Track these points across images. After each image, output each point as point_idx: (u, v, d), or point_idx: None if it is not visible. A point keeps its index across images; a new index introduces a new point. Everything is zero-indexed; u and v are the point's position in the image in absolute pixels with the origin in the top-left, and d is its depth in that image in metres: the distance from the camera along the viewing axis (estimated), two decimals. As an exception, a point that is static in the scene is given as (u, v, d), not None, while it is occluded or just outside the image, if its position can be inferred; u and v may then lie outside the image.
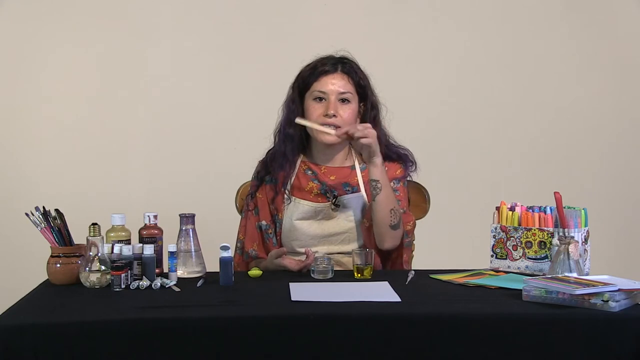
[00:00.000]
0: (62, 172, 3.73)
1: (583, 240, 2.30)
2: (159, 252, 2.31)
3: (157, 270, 2.25)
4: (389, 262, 2.59)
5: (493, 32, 3.88)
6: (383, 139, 2.59)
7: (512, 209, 2.45)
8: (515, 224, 2.42)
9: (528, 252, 2.37)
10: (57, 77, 3.72)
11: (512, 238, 2.41)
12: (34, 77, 3.72)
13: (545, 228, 2.35)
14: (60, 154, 3.74)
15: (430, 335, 1.85)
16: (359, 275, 2.29)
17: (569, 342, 1.85)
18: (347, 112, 2.54)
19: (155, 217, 2.35)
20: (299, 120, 2.52)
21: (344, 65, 2.58)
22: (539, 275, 2.21)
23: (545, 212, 2.38)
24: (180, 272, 2.29)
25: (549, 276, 2.07)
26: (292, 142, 2.60)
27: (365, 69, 2.62)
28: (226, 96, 3.79)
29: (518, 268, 2.39)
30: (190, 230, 2.36)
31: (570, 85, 3.91)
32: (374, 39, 3.79)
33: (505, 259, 2.42)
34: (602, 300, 1.87)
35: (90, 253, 2.17)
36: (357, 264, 2.30)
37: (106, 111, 3.75)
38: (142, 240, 2.31)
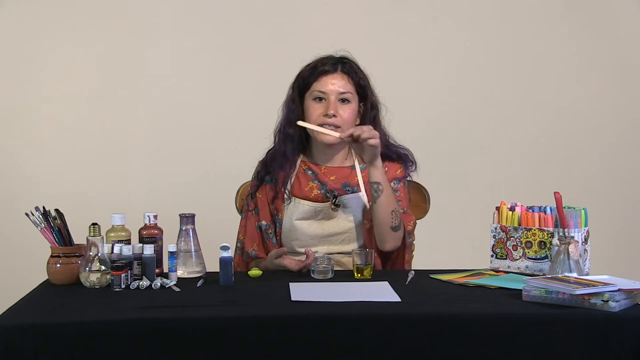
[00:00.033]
0: (62, 172, 3.73)
1: (583, 240, 2.30)
2: (159, 252, 2.31)
3: (157, 270, 2.25)
4: (389, 263, 2.59)
5: (493, 32, 3.88)
6: (383, 138, 2.59)
7: (512, 209, 2.45)
8: (515, 224, 2.42)
9: (528, 252, 2.37)
10: (57, 77, 3.72)
11: (512, 238, 2.41)
12: (34, 77, 3.72)
13: (545, 228, 2.35)
14: (60, 154, 3.74)
15: (430, 335, 1.85)
16: (359, 275, 2.29)
17: (569, 342, 1.85)
18: (347, 112, 2.54)
19: (155, 217, 2.35)
20: (300, 123, 2.52)
21: (344, 65, 2.58)
22: (539, 275, 2.21)
23: (545, 212, 2.38)
24: (180, 272, 2.29)
25: (549, 276, 2.07)
26: (292, 142, 2.60)
27: (365, 68, 2.62)
28: (226, 96, 3.79)
29: (518, 268, 2.39)
30: (190, 230, 2.36)
31: (570, 85, 3.91)
32: (374, 39, 3.79)
33: (505, 259, 2.42)
34: (602, 300, 1.87)
35: (90, 253, 2.17)
36: (357, 264, 2.30)
37: (106, 111, 3.75)
38: (142, 240, 2.31)
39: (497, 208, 2.48)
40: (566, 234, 2.28)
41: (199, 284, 2.20)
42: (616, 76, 3.92)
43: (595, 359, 1.84)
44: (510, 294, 2.05)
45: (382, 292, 2.09)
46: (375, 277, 2.29)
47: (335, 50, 2.62)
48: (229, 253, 2.22)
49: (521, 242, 2.39)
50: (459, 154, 3.89)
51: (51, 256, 2.24)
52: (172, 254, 2.24)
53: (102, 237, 2.22)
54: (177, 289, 2.13)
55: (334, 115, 2.52)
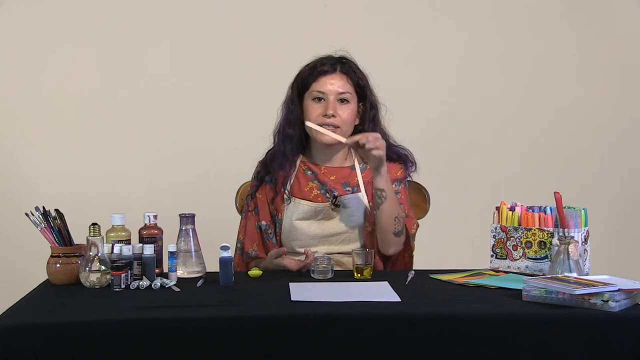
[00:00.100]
0: (62, 172, 3.73)
1: (583, 240, 2.30)
2: (159, 252, 2.31)
3: (157, 270, 2.25)
4: (389, 264, 2.59)
5: (493, 32, 3.88)
6: (383, 138, 2.59)
7: (512, 209, 2.45)
8: (515, 224, 2.42)
9: (528, 252, 2.37)
10: (57, 77, 3.72)
11: (512, 238, 2.41)
12: (34, 77, 3.72)
13: (545, 228, 2.35)
14: (60, 154, 3.74)
15: (430, 335, 1.85)
16: (359, 275, 2.29)
17: (569, 342, 1.85)
18: (346, 112, 2.54)
19: (155, 217, 2.35)
20: (308, 124, 2.52)
21: (343, 65, 2.58)
22: (539, 275, 2.21)
23: (545, 212, 2.38)
24: (180, 272, 2.29)
25: (549, 276, 2.07)
26: (292, 142, 2.60)
27: (365, 68, 2.62)
28: (226, 96, 3.79)
29: (518, 268, 2.39)
30: (190, 230, 2.36)
31: (570, 85, 3.91)
32: (374, 39, 3.79)
33: (505, 259, 2.42)
34: (602, 300, 1.87)
35: (90, 253, 2.17)
36: (357, 264, 2.30)
37: (106, 111, 3.75)
38: (142, 240, 2.31)
39: (497, 208, 2.48)
40: (566, 234, 2.28)
41: (199, 284, 2.20)
42: (616, 76, 3.92)
43: (595, 359, 1.84)
44: (510, 294, 2.05)
45: (382, 292, 2.09)
46: (375, 277, 2.29)
47: (334, 50, 2.62)
48: (229, 253, 2.22)
49: (521, 242, 2.39)
50: (459, 154, 3.89)
51: (51, 256, 2.24)
52: (172, 254, 2.24)
53: (102, 237, 2.22)
54: (177, 289, 2.13)
55: (333, 116, 2.52)
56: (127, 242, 2.29)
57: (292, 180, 2.61)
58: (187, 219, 2.37)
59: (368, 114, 2.60)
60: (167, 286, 2.15)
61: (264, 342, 1.83)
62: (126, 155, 3.78)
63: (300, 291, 2.07)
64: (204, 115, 3.78)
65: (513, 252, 2.40)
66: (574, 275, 2.07)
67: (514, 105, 3.91)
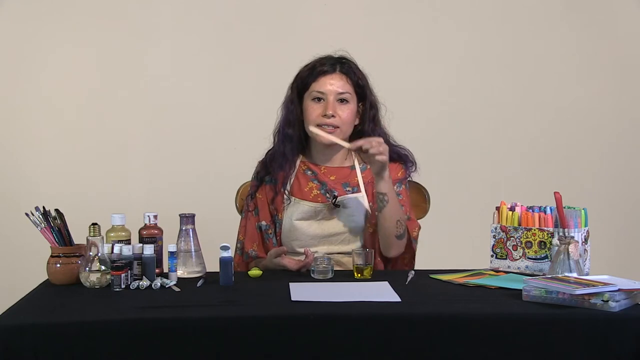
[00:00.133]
0: (62, 172, 3.73)
1: (583, 240, 2.30)
2: (159, 252, 2.31)
3: (157, 270, 2.25)
4: (389, 264, 2.60)
5: (493, 32, 3.88)
6: (383, 138, 2.59)
7: (512, 209, 2.45)
8: (515, 224, 2.42)
9: (528, 252, 2.37)
10: (57, 77, 3.72)
11: (512, 238, 2.41)
12: (34, 77, 3.72)
13: (545, 228, 2.35)
14: (60, 154, 3.75)
15: (430, 335, 1.85)
16: (359, 275, 2.29)
17: (569, 342, 1.85)
18: (346, 112, 2.54)
19: (155, 217, 2.35)
20: (312, 129, 2.51)
21: (343, 66, 2.58)
22: (539, 275, 2.21)
23: (545, 212, 2.38)
24: (180, 272, 2.29)
25: (549, 276, 2.07)
26: (292, 142, 2.60)
27: (365, 68, 2.62)
28: (226, 96, 3.79)
29: (518, 268, 2.39)
30: (190, 230, 2.36)
31: (570, 85, 3.91)
32: (374, 39, 3.79)
33: (505, 259, 2.42)
34: (602, 300, 1.87)
35: (90, 253, 2.17)
36: (357, 264, 2.30)
37: (106, 111, 3.75)
38: (142, 240, 2.31)
39: (497, 208, 2.48)
40: (566, 234, 2.28)
41: (199, 284, 2.20)
42: (616, 76, 3.92)
43: (595, 359, 1.84)
44: (510, 294, 2.05)
45: (382, 292, 2.09)
46: (375, 277, 2.29)
47: (334, 50, 2.62)
48: (229, 253, 2.22)
49: (521, 242, 2.39)
50: (459, 154, 3.90)
51: (51, 256, 2.24)
52: (172, 254, 2.24)
53: (102, 237, 2.22)
54: (177, 289, 2.13)
55: (332, 116, 2.52)
56: (127, 242, 2.29)
57: (292, 181, 2.61)
58: (187, 219, 2.37)
59: (368, 114, 2.60)
60: (167, 286, 2.15)
61: (264, 342, 1.83)
62: (126, 155, 3.78)
63: (300, 291, 2.07)
64: (204, 115, 3.78)
65: (513, 252, 2.40)
66: (574, 275, 2.07)
67: (514, 105, 3.91)
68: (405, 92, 3.71)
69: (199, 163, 3.78)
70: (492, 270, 2.43)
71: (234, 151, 3.70)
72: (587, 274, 2.23)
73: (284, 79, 2.65)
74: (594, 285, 1.91)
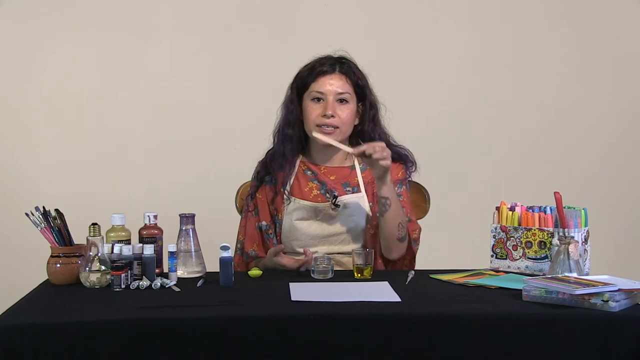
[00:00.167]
0: (62, 172, 3.73)
1: (583, 240, 2.30)
2: (159, 252, 2.31)
3: (157, 270, 2.25)
4: (389, 264, 2.59)
5: (493, 32, 3.88)
6: (383, 138, 2.59)
7: (512, 209, 2.45)
8: (515, 224, 2.42)
9: (528, 252, 2.37)
10: (57, 77, 3.72)
11: (512, 238, 2.41)
12: (34, 77, 3.72)
13: (545, 228, 2.35)
14: (60, 154, 3.75)
15: (430, 335, 1.85)
16: (359, 275, 2.29)
17: (569, 342, 1.85)
18: (345, 113, 2.54)
19: (155, 217, 2.35)
20: (315, 135, 2.51)
21: (342, 66, 2.58)
22: (539, 275, 2.21)
23: (545, 212, 2.38)
24: (180, 272, 2.29)
25: (549, 276, 2.07)
26: (291, 142, 2.60)
27: (365, 68, 2.62)
28: (226, 96, 3.79)
29: (518, 268, 2.39)
30: (190, 230, 2.36)
31: (570, 85, 3.91)
32: (374, 39, 3.79)
33: (505, 259, 2.42)
34: (602, 300, 1.87)
35: (90, 253, 2.17)
36: (357, 264, 2.30)
37: (106, 111, 3.75)
38: (142, 240, 2.31)
39: (497, 208, 2.48)
40: (566, 234, 2.28)
41: (199, 284, 2.20)
42: (616, 76, 3.92)
43: (595, 359, 1.84)
44: (510, 294, 2.05)
45: (382, 292, 2.09)
46: (375, 277, 2.29)
47: (333, 50, 2.62)
48: (229, 253, 2.22)
49: (521, 242, 2.39)
50: (459, 154, 3.90)
51: (51, 256, 2.24)
52: (172, 254, 2.24)
53: (102, 237, 2.22)
54: (177, 289, 2.13)
55: (332, 116, 2.52)
56: (127, 242, 2.29)
57: (292, 181, 2.61)
58: (187, 219, 2.37)
59: (367, 114, 2.59)
60: (167, 286, 2.15)
61: (264, 342, 1.83)
62: (126, 155, 3.78)
63: (300, 291, 2.07)
64: (204, 115, 3.78)
65: (513, 252, 2.40)
66: (574, 275, 2.07)
67: (514, 105, 3.91)
68: (405, 92, 3.71)
69: (199, 163, 3.78)
70: (492, 270, 2.43)
71: (234, 151, 3.70)
72: (587, 274, 2.23)
73: (284, 79, 2.65)
74: (594, 285, 1.91)
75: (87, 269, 2.15)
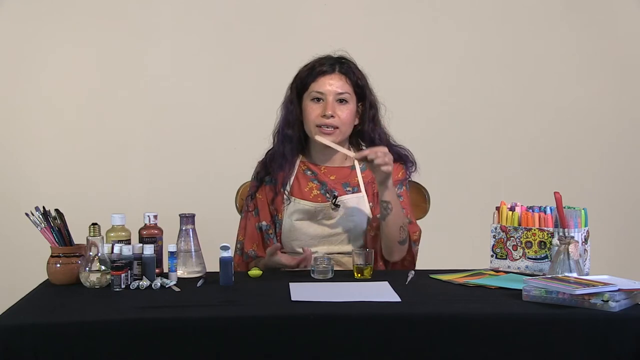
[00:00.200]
0: (62, 172, 3.73)
1: (583, 240, 2.30)
2: (159, 252, 2.31)
3: (157, 270, 2.25)
4: (389, 265, 2.59)
5: (493, 32, 3.88)
6: (383, 138, 2.59)
7: (512, 209, 2.45)
8: (515, 224, 2.42)
9: (528, 252, 2.37)
10: (57, 77, 3.72)
11: (512, 238, 2.41)
12: (34, 77, 3.72)
13: (545, 228, 2.35)
14: (60, 154, 3.75)
15: (430, 335, 1.85)
16: (359, 275, 2.29)
17: (569, 342, 1.85)
18: (345, 113, 2.54)
19: (155, 217, 2.35)
20: (318, 138, 2.51)
21: (342, 66, 2.58)
22: (539, 275, 2.21)
23: (545, 212, 2.38)
24: (180, 272, 2.29)
25: (549, 276, 2.07)
26: (291, 142, 2.60)
27: (365, 68, 2.62)
28: (226, 96, 3.79)
29: (518, 268, 2.39)
30: (190, 230, 2.36)
31: (570, 85, 3.91)
32: (374, 39, 3.79)
33: (505, 259, 2.42)
34: (602, 300, 1.87)
35: (90, 253, 2.17)
36: (357, 264, 2.30)
37: (106, 111, 3.75)
38: (142, 240, 2.31)
39: (497, 208, 2.48)
40: (566, 234, 2.28)
41: (199, 284, 2.20)
42: (616, 76, 3.92)
43: (595, 359, 1.84)
44: (510, 294, 2.05)
45: (382, 292, 2.09)
46: (375, 277, 2.29)
47: (333, 50, 2.62)
48: (229, 253, 2.22)
49: (521, 242, 2.39)
50: (459, 154, 3.90)
51: (51, 256, 2.24)
52: (172, 254, 2.24)
53: (102, 237, 2.22)
54: (177, 289, 2.13)
55: (332, 116, 2.52)
56: (127, 242, 2.29)
57: (291, 181, 2.61)
58: (187, 219, 2.37)
59: (367, 114, 2.59)
60: (167, 286, 2.15)
61: (264, 342, 1.83)
62: (126, 155, 3.78)
63: (300, 291, 2.07)
64: (204, 115, 3.78)
65: (513, 252, 2.40)
66: (574, 275, 2.07)
67: (514, 105, 3.91)
68: (405, 92, 3.71)
69: (199, 163, 3.78)
70: (492, 270, 2.43)
71: (234, 151, 3.70)
72: (587, 274, 2.23)
73: (284, 79, 2.65)
74: (594, 285, 1.91)
75: (87, 269, 2.15)
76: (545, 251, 2.34)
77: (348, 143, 2.62)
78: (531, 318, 1.88)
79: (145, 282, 2.14)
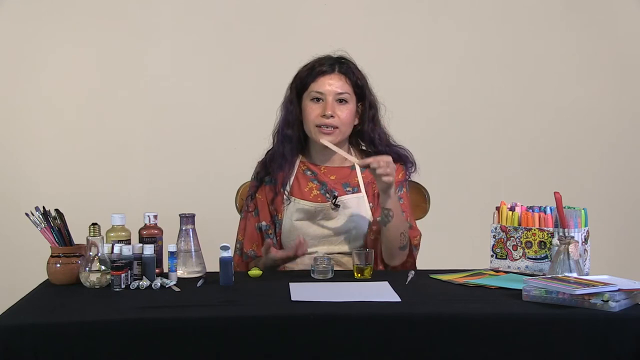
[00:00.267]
0: (62, 172, 3.73)
1: (583, 240, 2.30)
2: (159, 252, 2.31)
3: (157, 270, 2.25)
4: (389, 266, 2.59)
5: (493, 32, 3.88)
6: (383, 138, 2.59)
7: (512, 209, 2.45)
8: (515, 224, 2.42)
9: (528, 252, 2.37)
10: (57, 77, 3.72)
11: (512, 238, 2.41)
12: (34, 77, 3.72)
13: (545, 228, 2.35)
14: (60, 154, 3.74)
15: (430, 335, 1.85)
16: (359, 275, 2.29)
17: (569, 342, 1.85)
18: (345, 113, 2.54)
19: (155, 217, 2.35)
20: (324, 142, 2.51)
21: (341, 66, 2.57)
22: (539, 275, 2.21)
23: (545, 212, 2.38)
24: (180, 272, 2.29)
25: (549, 276, 2.07)
26: (291, 142, 2.60)
27: (365, 68, 2.62)
28: (226, 96, 3.79)
29: (518, 268, 2.39)
30: (190, 230, 2.36)
31: (570, 85, 3.91)
32: (374, 39, 3.79)
33: (505, 259, 2.42)
34: (602, 300, 1.87)
35: (90, 253, 2.17)
36: (357, 264, 2.30)
37: (106, 111, 3.75)
38: (142, 240, 2.31)
39: (497, 208, 2.48)
40: (566, 234, 2.28)
41: (199, 284, 2.20)
42: (616, 76, 3.92)
43: (595, 359, 1.84)
44: (510, 294, 2.05)
45: (382, 292, 2.09)
46: (375, 277, 2.29)
47: (333, 50, 2.62)
48: (229, 253, 2.22)
49: (521, 242, 2.39)
50: (459, 154, 3.89)
51: (51, 256, 2.24)
52: (172, 254, 2.24)
53: (102, 237, 2.22)
54: (177, 289, 2.13)
55: (331, 116, 2.52)
56: (127, 242, 2.29)
57: (291, 181, 2.61)
58: (187, 219, 2.37)
59: (367, 114, 2.59)
60: (167, 286, 2.15)
61: (264, 342, 1.83)
62: (126, 155, 3.78)
63: (300, 291, 2.07)
64: (204, 115, 3.78)
65: (513, 252, 2.40)
66: (574, 275, 2.07)
67: (514, 105, 3.91)
68: (405, 92, 3.71)
69: (199, 163, 3.78)
70: (492, 270, 2.43)
71: (234, 151, 3.70)
72: (587, 274, 2.23)
73: (284, 79, 2.65)
74: (594, 285, 1.91)
75: (87, 269, 2.15)
76: (545, 251, 2.34)
77: (348, 143, 2.62)
78: (531, 318, 1.88)
79: (145, 282, 2.14)
